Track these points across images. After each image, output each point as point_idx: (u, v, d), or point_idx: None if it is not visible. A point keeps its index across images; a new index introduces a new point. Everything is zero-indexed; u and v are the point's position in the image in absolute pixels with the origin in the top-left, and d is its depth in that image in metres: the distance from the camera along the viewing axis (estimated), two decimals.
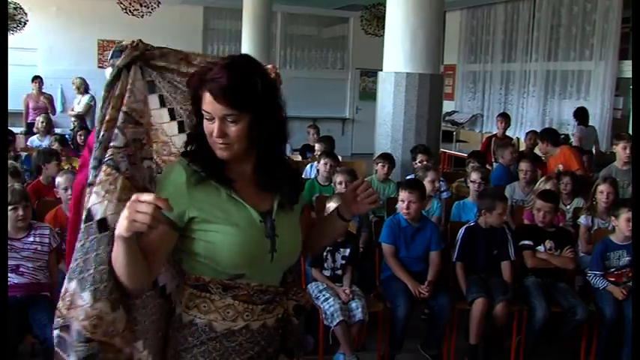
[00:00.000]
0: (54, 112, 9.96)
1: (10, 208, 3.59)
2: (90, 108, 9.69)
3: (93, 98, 9.82)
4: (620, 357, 4.14)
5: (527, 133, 8.35)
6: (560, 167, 6.27)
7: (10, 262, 3.58)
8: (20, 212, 3.65)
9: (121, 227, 1.50)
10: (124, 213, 1.49)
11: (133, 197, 1.49)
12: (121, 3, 9.70)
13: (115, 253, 1.59)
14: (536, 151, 7.53)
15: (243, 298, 1.74)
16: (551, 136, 6.91)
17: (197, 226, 1.70)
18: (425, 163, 5.69)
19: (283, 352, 1.86)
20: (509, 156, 6.64)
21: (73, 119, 8.84)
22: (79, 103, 9.72)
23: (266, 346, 1.79)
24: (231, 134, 1.67)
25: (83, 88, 9.90)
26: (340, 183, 4.98)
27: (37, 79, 9.91)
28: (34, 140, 7.78)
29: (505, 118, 9.01)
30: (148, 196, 1.48)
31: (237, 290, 1.73)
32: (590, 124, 9.43)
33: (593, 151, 8.19)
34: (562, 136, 8.84)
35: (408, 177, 5.62)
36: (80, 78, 10.05)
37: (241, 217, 1.72)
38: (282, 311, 1.82)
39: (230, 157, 1.71)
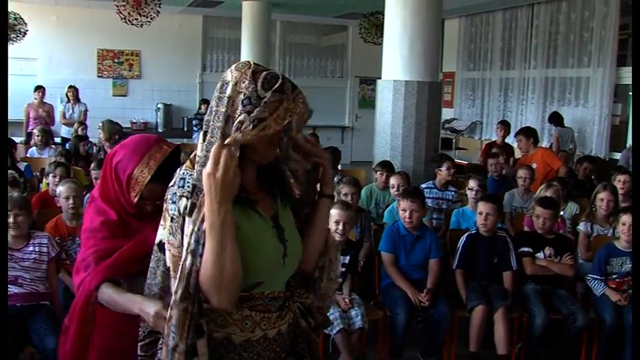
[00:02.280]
0: (53, 122, 10.03)
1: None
2: (86, 115, 9.94)
3: (86, 105, 10.04)
4: None
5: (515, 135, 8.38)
6: (534, 166, 6.34)
7: (9, 273, 3.59)
8: (11, 220, 3.64)
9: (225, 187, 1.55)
10: (213, 181, 1.55)
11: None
12: (120, 13, 9.71)
13: (219, 243, 1.58)
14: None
15: (259, 308, 1.74)
16: (535, 134, 7.22)
17: None
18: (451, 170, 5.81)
19: (292, 356, 1.87)
20: (492, 167, 6.69)
21: (80, 127, 8.83)
22: (76, 112, 9.89)
23: (280, 352, 1.82)
24: (281, 137, 1.77)
25: (77, 97, 10.13)
26: (346, 195, 4.83)
27: (40, 89, 10.00)
28: (34, 152, 7.79)
29: (505, 125, 9.02)
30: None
31: (254, 301, 1.73)
32: (588, 130, 9.52)
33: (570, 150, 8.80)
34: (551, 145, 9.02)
35: (424, 185, 5.75)
36: (75, 87, 10.21)
37: (258, 225, 1.73)
38: (292, 316, 1.85)
39: (272, 159, 1.78)
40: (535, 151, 6.97)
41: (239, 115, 1.62)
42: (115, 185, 2.14)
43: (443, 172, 5.73)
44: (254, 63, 1.72)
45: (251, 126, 1.60)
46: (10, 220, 3.65)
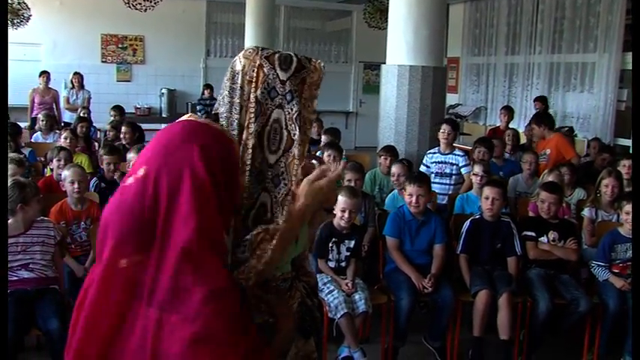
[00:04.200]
0: (58, 107, 10.04)
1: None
2: (89, 101, 9.99)
3: (89, 93, 10.09)
4: (623, 348, 4.15)
5: (526, 126, 8.38)
6: (547, 151, 6.29)
7: (18, 263, 3.62)
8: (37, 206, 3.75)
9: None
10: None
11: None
12: None
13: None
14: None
15: (272, 291, 1.76)
16: (549, 120, 7.07)
17: None
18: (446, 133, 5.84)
19: (299, 333, 1.89)
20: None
21: (83, 111, 8.88)
22: (79, 98, 9.94)
23: None
24: None
25: (81, 83, 10.16)
26: (349, 180, 4.83)
27: (45, 74, 9.98)
28: (38, 137, 7.80)
29: (508, 111, 9.00)
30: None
31: (267, 283, 1.75)
32: (593, 116, 9.49)
33: None
34: (566, 129, 8.91)
35: (429, 151, 5.88)
36: (80, 74, 10.22)
37: None
38: (299, 295, 1.87)
39: None
40: (552, 136, 6.79)
41: (271, 111, 1.66)
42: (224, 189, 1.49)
43: (440, 135, 5.77)
44: (262, 48, 1.72)
45: (297, 128, 1.67)
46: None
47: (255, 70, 1.66)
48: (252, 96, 1.66)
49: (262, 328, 1.70)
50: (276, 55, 1.67)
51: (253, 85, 1.66)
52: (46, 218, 3.96)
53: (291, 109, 1.67)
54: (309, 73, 1.69)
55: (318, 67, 1.71)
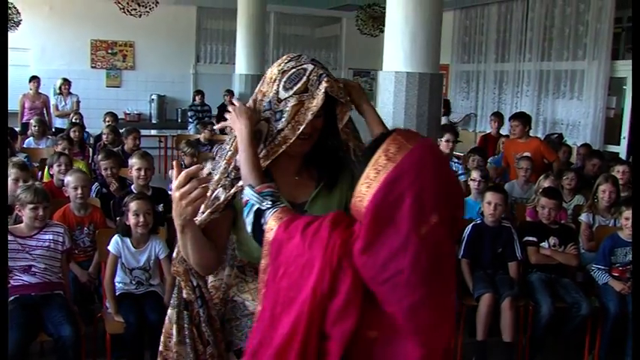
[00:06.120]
0: (49, 113, 9.98)
1: (30, 206, 3.60)
2: (78, 105, 9.94)
3: (77, 97, 10.05)
4: (624, 351, 4.20)
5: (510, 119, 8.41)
6: (528, 154, 6.36)
7: (21, 263, 3.60)
8: (40, 212, 3.66)
9: (185, 214, 1.61)
10: (177, 206, 1.60)
11: (175, 191, 1.60)
12: (119, 2, 9.66)
13: (182, 243, 1.70)
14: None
15: None
16: (530, 122, 7.16)
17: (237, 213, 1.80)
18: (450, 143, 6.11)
19: None
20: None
21: (75, 117, 8.83)
22: (68, 103, 9.90)
23: None
24: (316, 127, 1.77)
25: (69, 89, 10.12)
26: None
27: (35, 80, 9.92)
28: (31, 142, 7.74)
29: (498, 117, 9.06)
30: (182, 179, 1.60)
31: None
32: (582, 123, 9.59)
33: None
34: (556, 135, 9.01)
35: None
36: (68, 80, 10.18)
37: None
38: None
39: (309, 149, 1.81)
40: (528, 140, 6.89)
41: (258, 121, 1.75)
42: None
43: (442, 144, 5.81)
44: (291, 58, 1.78)
45: (271, 141, 1.74)
46: (40, 212, 3.66)
47: (269, 81, 1.77)
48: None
49: None
50: (289, 73, 1.73)
51: (264, 95, 1.77)
52: (57, 223, 3.94)
53: (275, 127, 1.72)
54: (308, 98, 1.70)
55: (318, 96, 1.70)
